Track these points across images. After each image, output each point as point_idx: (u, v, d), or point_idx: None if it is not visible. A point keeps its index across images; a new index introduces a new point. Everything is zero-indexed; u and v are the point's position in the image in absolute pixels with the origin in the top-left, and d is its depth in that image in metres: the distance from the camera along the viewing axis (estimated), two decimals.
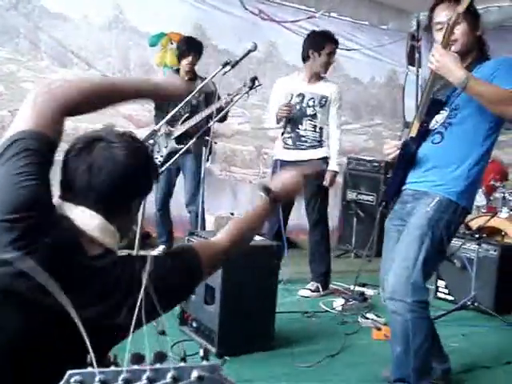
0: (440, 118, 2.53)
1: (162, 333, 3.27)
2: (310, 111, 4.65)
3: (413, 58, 5.44)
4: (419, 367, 2.48)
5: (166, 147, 5.03)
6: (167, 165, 4.15)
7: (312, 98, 4.67)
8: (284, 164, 4.52)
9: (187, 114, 4.97)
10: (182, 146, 4.57)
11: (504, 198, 5.01)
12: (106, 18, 5.96)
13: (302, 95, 4.68)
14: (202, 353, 0.78)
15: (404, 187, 2.64)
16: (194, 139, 3.97)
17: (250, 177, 6.91)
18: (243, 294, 3.13)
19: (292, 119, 4.61)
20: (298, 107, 4.64)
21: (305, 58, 4.72)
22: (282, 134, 4.64)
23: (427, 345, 2.50)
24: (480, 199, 5.19)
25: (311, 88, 4.69)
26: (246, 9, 6.30)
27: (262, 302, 3.24)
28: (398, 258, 2.50)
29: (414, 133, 2.54)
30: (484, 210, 5.30)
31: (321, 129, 4.68)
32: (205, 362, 0.76)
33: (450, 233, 2.52)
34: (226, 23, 6.48)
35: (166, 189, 5.30)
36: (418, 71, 6.94)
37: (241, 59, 3.55)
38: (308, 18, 6.49)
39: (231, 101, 4.43)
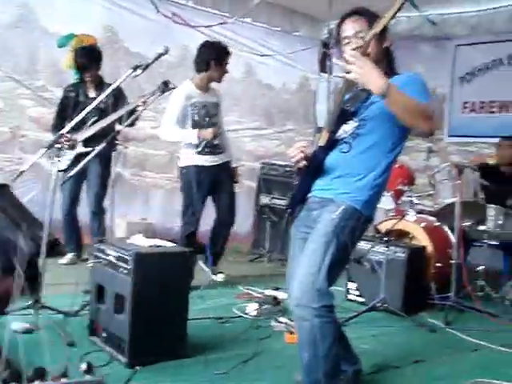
0: (348, 127, 2.55)
1: (71, 344, 3.17)
2: (212, 119, 4.90)
3: (324, 65, 5.57)
4: (329, 371, 2.48)
5: (72, 151, 4.88)
6: (77, 169, 4.03)
7: (208, 106, 4.90)
8: (198, 169, 4.82)
9: (95, 118, 4.86)
10: (89, 149, 4.47)
11: (411, 201, 5.18)
12: (13, 16, 5.72)
13: (201, 103, 4.85)
14: (84, 367, 0.74)
15: (310, 194, 2.65)
16: (104, 143, 3.87)
17: (163, 181, 6.82)
18: (154, 301, 3.05)
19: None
20: (204, 119, 4.86)
21: (202, 67, 4.83)
22: (198, 151, 4.84)
23: (335, 348, 2.51)
24: (388, 203, 5.35)
25: (207, 97, 4.91)
26: (159, 12, 6.22)
27: (174, 310, 3.18)
28: (303, 264, 2.50)
29: (322, 142, 2.55)
30: (392, 214, 5.46)
31: (219, 134, 4.88)
32: (88, 377, 0.72)
33: (354, 239, 2.54)
34: (139, 26, 6.39)
35: (72, 194, 5.15)
36: (329, 78, 7.09)
37: (152, 62, 3.50)
38: (222, 23, 6.48)
39: (143, 104, 4.39)
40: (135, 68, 3.50)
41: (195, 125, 4.81)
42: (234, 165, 5.12)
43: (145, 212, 6.57)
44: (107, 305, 3.19)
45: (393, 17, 2.28)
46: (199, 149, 4.82)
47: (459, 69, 7.24)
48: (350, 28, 2.54)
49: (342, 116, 2.54)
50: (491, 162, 5.99)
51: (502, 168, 5.74)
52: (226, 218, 5.10)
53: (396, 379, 3.14)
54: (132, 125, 4.87)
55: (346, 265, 2.70)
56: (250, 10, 6.23)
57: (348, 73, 2.30)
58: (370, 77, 2.25)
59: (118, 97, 4.97)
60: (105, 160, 4.96)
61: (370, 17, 2.51)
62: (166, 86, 4.23)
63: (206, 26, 6.53)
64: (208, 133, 4.73)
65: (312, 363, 2.48)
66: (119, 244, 3.23)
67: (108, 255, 3.22)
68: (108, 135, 4.10)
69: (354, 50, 2.46)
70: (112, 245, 3.27)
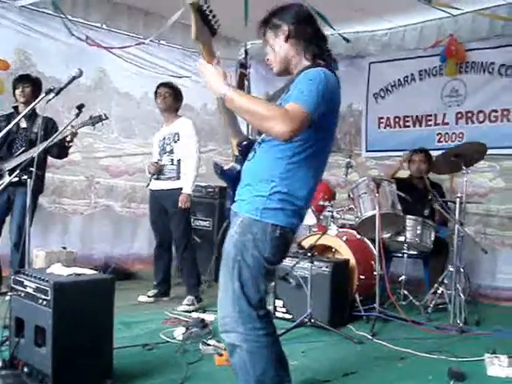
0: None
1: None
2: (168, 148, 5.25)
3: (242, 85, 5.62)
4: None
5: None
6: None
7: (169, 137, 5.27)
8: (151, 193, 5.40)
9: (24, 148, 4.74)
10: (16, 178, 4.34)
11: (332, 216, 5.27)
12: None
13: (164, 138, 5.32)
14: None
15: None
16: (17, 171, 3.74)
17: (82, 208, 6.66)
18: (77, 332, 2.94)
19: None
20: (161, 149, 5.31)
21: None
22: (148, 183, 5.33)
23: (272, 372, 2.37)
24: (310, 218, 5.42)
25: (168, 129, 5.31)
26: (73, 35, 6.10)
27: (98, 339, 3.08)
28: (220, 289, 2.40)
29: (236, 152, 2.55)
30: (315, 229, 5.53)
31: (178, 161, 5.19)
32: None
33: (262, 250, 2.33)
34: (53, 49, 6.24)
35: None
36: None
37: (65, 86, 3.40)
38: (137, 44, 6.43)
39: (73, 135, 4.56)
40: (48, 92, 3.40)
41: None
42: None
43: (64, 240, 6.37)
44: (27, 338, 3.06)
45: None
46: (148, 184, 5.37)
47: (373, 85, 7.46)
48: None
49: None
50: (404, 175, 6.19)
51: (414, 181, 5.93)
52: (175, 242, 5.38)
53: None
54: (62, 156, 5.14)
55: (269, 275, 2.44)
56: (165, 32, 6.18)
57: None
58: (211, 84, 2.32)
59: (50, 129, 4.88)
60: (32, 191, 4.78)
61: (265, 24, 2.52)
62: (99, 119, 4.31)
63: (121, 48, 6.46)
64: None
65: None
66: (37, 274, 3.10)
67: (26, 287, 3.09)
68: (38, 164, 3.97)
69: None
70: (30, 275, 3.14)
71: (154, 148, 5.47)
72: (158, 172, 5.23)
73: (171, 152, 5.23)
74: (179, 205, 5.05)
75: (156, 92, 5.31)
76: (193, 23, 2.31)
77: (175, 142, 5.22)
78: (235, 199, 2.47)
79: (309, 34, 2.46)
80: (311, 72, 2.30)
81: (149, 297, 5.27)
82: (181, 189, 5.11)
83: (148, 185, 5.35)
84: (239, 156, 2.53)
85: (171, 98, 5.24)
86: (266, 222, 2.32)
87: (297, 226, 2.44)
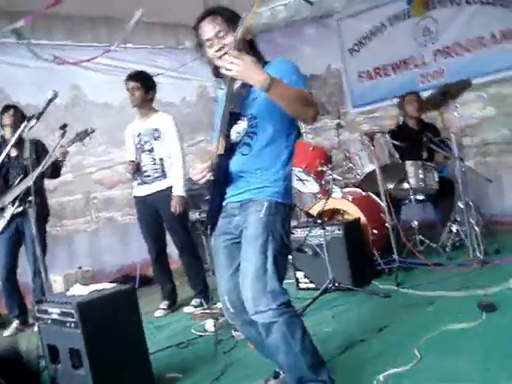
0: (240, 128, 2.52)
1: None
2: (147, 146, 4.85)
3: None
4: (312, 362, 2.48)
5: (2, 216, 4.74)
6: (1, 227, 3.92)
7: (147, 134, 4.87)
8: (137, 200, 4.97)
9: (21, 176, 4.72)
10: (21, 208, 4.36)
11: (334, 179, 5.25)
12: None
13: (140, 134, 4.90)
14: None
15: (225, 202, 2.62)
16: (17, 202, 3.75)
17: (84, 225, 6.69)
18: (110, 346, 2.96)
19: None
20: (138, 146, 4.90)
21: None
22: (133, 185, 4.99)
23: (308, 338, 2.51)
24: (313, 187, 5.42)
25: (145, 124, 4.90)
26: (40, 58, 6.07)
27: (133, 348, 3.10)
28: (247, 272, 2.45)
29: (221, 150, 2.49)
30: (319, 196, 5.54)
31: (161, 160, 4.83)
32: None
33: (286, 230, 2.54)
34: (23, 77, 6.20)
35: (8, 258, 4.97)
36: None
37: (44, 110, 3.41)
38: (104, 53, 6.40)
39: (64, 154, 4.51)
40: (29, 119, 3.41)
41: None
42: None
43: (75, 260, 6.40)
44: (64, 363, 3.07)
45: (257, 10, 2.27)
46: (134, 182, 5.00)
47: (346, 41, 7.41)
48: (209, 29, 2.50)
49: (232, 118, 2.49)
50: (398, 122, 6.17)
51: (410, 123, 5.90)
52: (177, 249, 5.04)
53: (365, 352, 3.18)
54: (56, 176, 5.02)
55: (288, 256, 2.68)
56: (129, 35, 6.15)
57: (228, 71, 2.24)
58: (251, 73, 2.21)
59: (41, 152, 4.86)
60: (38, 218, 4.78)
61: (225, 14, 2.51)
62: (85, 134, 4.28)
63: (89, 60, 6.42)
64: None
65: (291, 362, 2.48)
66: (59, 299, 3.11)
67: (51, 313, 3.11)
68: (37, 191, 3.99)
69: (217, 51, 2.46)
70: (52, 302, 3.15)
71: (127, 144, 5.07)
72: (140, 174, 4.87)
73: (151, 151, 4.85)
74: (172, 209, 4.71)
75: (126, 86, 4.91)
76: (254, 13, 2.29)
77: (155, 139, 4.84)
78: (235, 193, 2.58)
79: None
80: (286, 60, 2.51)
81: (165, 310, 4.97)
82: (172, 187, 4.81)
83: (133, 186, 5.00)
84: (224, 154, 2.50)
85: (140, 91, 4.82)
86: (285, 203, 2.53)
87: None
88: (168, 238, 5.07)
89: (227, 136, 2.51)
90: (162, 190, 4.82)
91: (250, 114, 2.51)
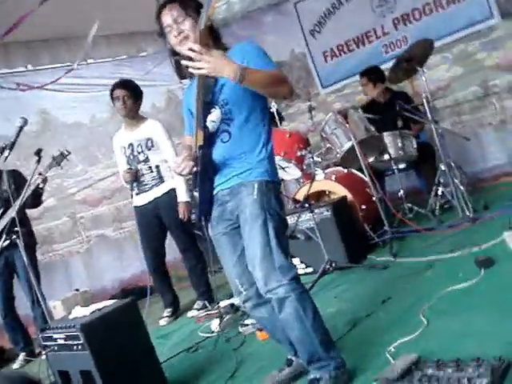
0: (214, 117, 2.56)
1: None
2: (141, 157, 4.80)
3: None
4: (323, 338, 2.53)
5: None
6: None
7: (138, 144, 4.81)
8: (137, 210, 4.89)
9: (2, 209, 4.66)
10: (7, 241, 4.32)
11: (314, 161, 5.26)
12: None
13: (130, 145, 4.83)
14: None
15: (215, 192, 2.66)
16: (3, 236, 3.73)
17: (76, 247, 6.66)
18: (121, 362, 2.96)
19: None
20: (131, 157, 4.83)
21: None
22: (132, 195, 4.86)
23: (318, 315, 2.57)
24: (295, 172, 5.42)
25: (134, 134, 4.83)
26: (3, 87, 6.01)
27: (143, 361, 3.10)
28: (253, 253, 2.51)
29: (200, 141, 2.54)
30: (303, 180, 5.55)
31: (157, 167, 4.80)
32: None
33: (281, 205, 2.61)
34: None
35: (3, 294, 4.92)
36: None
37: (16, 139, 3.41)
38: (66, 72, 6.35)
39: (44, 180, 4.43)
40: (1, 151, 3.39)
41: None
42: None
43: (72, 283, 6.37)
44: None
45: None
46: (132, 193, 4.89)
47: (306, 24, 7.41)
48: (168, 17, 2.56)
49: (205, 109, 2.53)
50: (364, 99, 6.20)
51: (376, 99, 5.92)
52: (180, 251, 5.05)
53: (372, 326, 3.20)
54: (37, 205, 4.98)
55: (287, 230, 2.74)
56: (89, 51, 6.12)
57: (199, 69, 2.29)
58: (222, 67, 2.27)
59: (19, 182, 4.80)
60: (26, 247, 4.74)
61: (182, 1, 2.56)
62: (62, 157, 4.23)
63: (53, 82, 6.37)
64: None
65: (304, 337, 2.53)
66: (62, 324, 3.09)
67: (57, 339, 3.09)
68: (20, 221, 3.95)
69: (177, 36, 2.52)
70: (56, 328, 3.13)
71: (117, 156, 4.99)
72: (137, 183, 4.80)
73: (146, 160, 4.79)
74: (180, 216, 4.68)
75: (112, 95, 4.77)
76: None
77: (149, 149, 4.77)
78: (223, 181, 2.62)
79: None
80: (248, 43, 2.57)
81: (169, 317, 4.95)
82: (172, 190, 4.75)
83: (132, 196, 4.88)
84: (204, 144, 2.54)
85: (131, 100, 4.75)
86: (274, 180, 2.60)
87: None
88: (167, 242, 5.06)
89: (204, 127, 2.54)
90: (161, 195, 4.80)
91: (221, 101, 2.55)
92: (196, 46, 2.29)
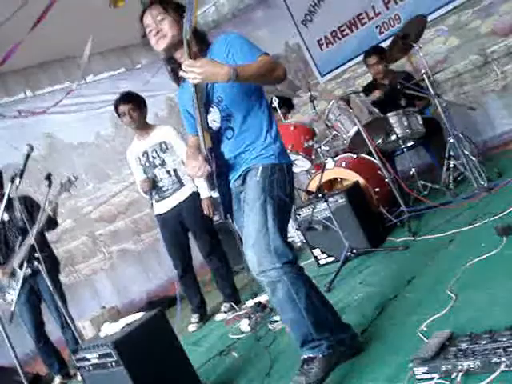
0: (214, 116, 2.63)
1: None
2: (157, 161, 4.81)
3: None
4: (316, 320, 2.53)
5: (15, 281, 4.72)
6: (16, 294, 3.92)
7: (153, 149, 4.82)
8: (159, 218, 4.88)
9: (20, 238, 4.70)
10: (29, 270, 4.36)
11: (322, 151, 5.25)
12: None
13: (145, 153, 4.84)
14: None
15: (231, 187, 2.75)
16: (24, 264, 3.77)
17: (99, 264, 6.70)
18: (157, 374, 2.97)
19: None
20: (147, 165, 4.84)
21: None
22: (151, 204, 4.86)
23: (313, 296, 2.55)
24: (305, 164, 5.41)
25: (147, 142, 4.85)
26: (5, 117, 6.06)
27: (179, 370, 3.12)
28: (249, 233, 2.52)
29: (209, 143, 2.61)
30: (313, 171, 5.54)
31: (175, 170, 4.79)
32: None
33: (286, 190, 2.62)
34: None
35: (33, 321, 4.96)
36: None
37: (24, 167, 3.45)
38: (67, 94, 6.38)
39: (56, 206, 4.52)
40: (12, 180, 3.43)
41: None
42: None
43: (101, 301, 6.41)
44: None
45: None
46: (152, 202, 4.88)
47: (297, 14, 7.40)
48: (149, 18, 2.64)
49: (204, 110, 2.58)
50: (369, 79, 6.16)
51: (379, 81, 5.88)
52: (204, 255, 5.00)
53: (401, 307, 3.18)
54: (53, 227, 4.94)
55: (290, 216, 2.75)
56: (86, 69, 6.14)
57: (194, 79, 2.33)
58: (214, 73, 2.29)
59: (31, 207, 4.85)
60: (49, 272, 4.78)
61: (162, 1, 2.63)
62: (70, 183, 4.26)
63: (54, 105, 6.41)
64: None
65: (297, 319, 2.53)
66: (94, 343, 3.12)
67: (90, 359, 3.11)
68: (41, 246, 4.01)
69: (155, 35, 2.60)
70: (88, 348, 3.15)
71: (133, 167, 5.00)
72: (157, 191, 4.80)
73: (163, 164, 4.78)
74: (204, 213, 4.62)
75: (117, 112, 4.80)
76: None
77: (164, 151, 4.77)
78: (236, 175, 2.70)
79: None
80: (230, 36, 2.59)
81: (198, 323, 4.95)
82: (194, 193, 4.74)
83: (152, 205, 4.87)
84: (213, 146, 2.62)
85: (136, 112, 4.77)
86: (281, 162, 2.62)
87: None
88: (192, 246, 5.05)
89: (208, 128, 2.61)
90: (184, 200, 4.80)
91: (216, 99, 2.60)
92: (184, 64, 2.33)
